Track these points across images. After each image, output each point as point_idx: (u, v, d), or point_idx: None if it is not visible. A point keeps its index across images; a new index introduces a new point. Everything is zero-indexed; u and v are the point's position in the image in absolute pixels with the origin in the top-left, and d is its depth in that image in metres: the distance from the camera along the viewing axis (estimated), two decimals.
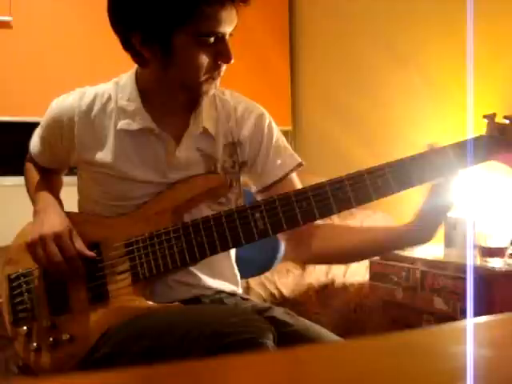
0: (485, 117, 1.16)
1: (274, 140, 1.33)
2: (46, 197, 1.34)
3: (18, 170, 2.82)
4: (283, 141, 1.35)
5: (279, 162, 1.31)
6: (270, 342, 1.04)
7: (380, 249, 1.37)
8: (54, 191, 1.39)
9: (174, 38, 1.17)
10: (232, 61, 1.20)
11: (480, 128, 1.16)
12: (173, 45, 1.17)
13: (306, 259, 1.37)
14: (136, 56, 1.23)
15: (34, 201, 1.36)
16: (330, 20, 3.24)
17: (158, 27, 1.16)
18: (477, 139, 1.14)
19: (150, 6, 1.15)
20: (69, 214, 1.30)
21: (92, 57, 2.83)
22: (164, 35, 1.17)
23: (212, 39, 1.17)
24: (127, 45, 1.22)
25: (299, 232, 1.24)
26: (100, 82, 1.34)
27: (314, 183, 1.17)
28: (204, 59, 1.18)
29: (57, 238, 1.22)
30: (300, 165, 1.33)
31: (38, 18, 2.89)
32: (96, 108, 1.28)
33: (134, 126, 1.26)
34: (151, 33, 1.17)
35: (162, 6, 1.14)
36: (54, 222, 1.25)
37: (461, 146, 1.13)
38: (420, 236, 1.18)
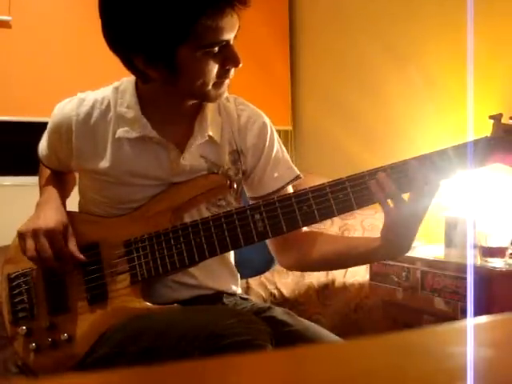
0: (491, 117, 1.13)
1: (274, 152, 1.32)
2: (49, 191, 1.34)
3: (18, 170, 2.84)
4: (283, 152, 1.34)
5: (277, 174, 1.31)
6: (267, 344, 1.03)
7: (361, 260, 1.34)
8: (64, 188, 1.39)
9: (178, 55, 1.13)
10: (241, 64, 1.17)
11: (480, 127, 1.15)
12: (178, 61, 1.14)
13: (291, 265, 1.36)
14: (140, 74, 1.20)
15: (40, 195, 1.37)
16: (330, 19, 3.24)
17: (160, 47, 1.13)
18: (481, 141, 1.11)
19: (149, 27, 1.11)
20: (69, 214, 1.30)
21: (92, 56, 2.82)
22: (167, 54, 1.13)
23: (216, 48, 1.14)
24: (129, 65, 1.19)
25: (286, 238, 1.24)
26: (100, 82, 1.33)
27: (314, 184, 1.16)
28: (211, 68, 1.16)
29: (49, 233, 1.22)
30: (298, 177, 1.33)
31: (37, 17, 2.88)
32: (95, 115, 1.27)
33: (133, 134, 1.24)
34: (154, 54, 1.14)
35: (160, 26, 1.10)
36: (50, 218, 1.25)
37: (466, 148, 1.10)
38: (391, 250, 1.16)
